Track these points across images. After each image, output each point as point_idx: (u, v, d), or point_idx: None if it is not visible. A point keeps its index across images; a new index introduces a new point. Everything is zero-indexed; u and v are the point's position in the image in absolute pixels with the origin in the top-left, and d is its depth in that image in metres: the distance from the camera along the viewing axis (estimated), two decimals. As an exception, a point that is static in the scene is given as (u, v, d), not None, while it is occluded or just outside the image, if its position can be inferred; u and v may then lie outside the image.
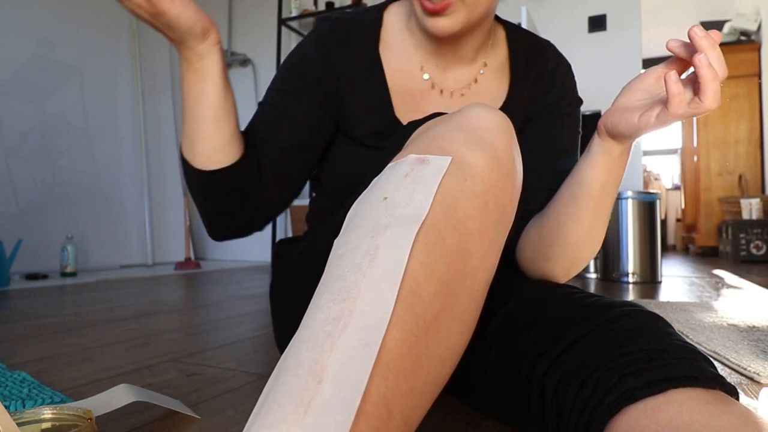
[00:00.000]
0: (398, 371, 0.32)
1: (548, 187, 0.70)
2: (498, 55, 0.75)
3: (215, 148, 0.61)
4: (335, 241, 0.40)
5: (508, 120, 0.44)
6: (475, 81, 0.74)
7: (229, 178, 0.62)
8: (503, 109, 0.74)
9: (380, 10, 0.75)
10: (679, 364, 0.41)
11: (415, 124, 0.51)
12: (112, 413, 0.65)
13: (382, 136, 0.70)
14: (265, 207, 0.69)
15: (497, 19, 0.77)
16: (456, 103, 0.73)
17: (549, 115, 0.75)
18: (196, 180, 0.63)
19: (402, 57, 0.73)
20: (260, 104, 0.72)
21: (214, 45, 0.58)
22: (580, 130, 0.79)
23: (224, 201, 0.65)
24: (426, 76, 0.72)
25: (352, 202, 0.52)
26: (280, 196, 0.70)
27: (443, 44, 0.70)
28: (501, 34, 0.76)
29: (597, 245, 0.65)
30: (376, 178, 0.43)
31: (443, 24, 0.63)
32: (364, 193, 0.43)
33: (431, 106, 0.72)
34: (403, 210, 0.37)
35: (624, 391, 0.40)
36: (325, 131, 0.72)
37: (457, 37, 0.68)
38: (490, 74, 0.74)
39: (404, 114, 0.72)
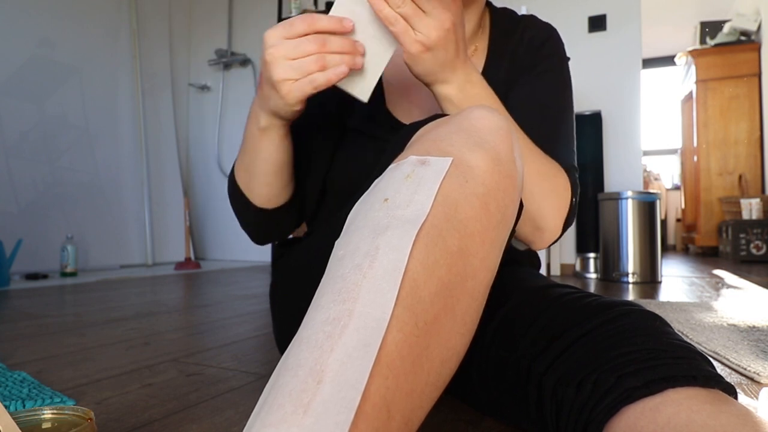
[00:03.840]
0: (398, 372, 0.32)
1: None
2: (485, 39, 0.77)
3: (274, 194, 0.69)
4: (336, 242, 0.40)
5: (508, 122, 0.45)
6: None
7: (284, 213, 0.72)
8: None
9: None
10: (677, 363, 0.41)
11: (417, 126, 0.51)
12: (112, 413, 0.65)
13: (376, 123, 0.72)
14: (303, 215, 0.78)
15: (486, 4, 0.77)
16: None
17: (527, 75, 0.74)
18: (252, 214, 0.71)
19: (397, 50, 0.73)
20: None
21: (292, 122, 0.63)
22: (569, 85, 0.75)
23: (275, 226, 0.74)
24: None
25: (352, 204, 0.52)
26: (314, 200, 0.78)
27: None
28: (487, 20, 0.78)
29: (544, 202, 0.62)
30: (377, 180, 0.43)
31: None
32: (365, 194, 0.43)
33: (425, 98, 0.73)
34: (403, 211, 0.37)
35: (622, 391, 0.40)
36: (338, 127, 0.76)
37: None
38: (476, 60, 0.75)
39: (398, 105, 0.72)
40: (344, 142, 0.75)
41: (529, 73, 0.73)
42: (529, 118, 0.68)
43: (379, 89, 0.72)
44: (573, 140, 0.74)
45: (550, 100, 0.73)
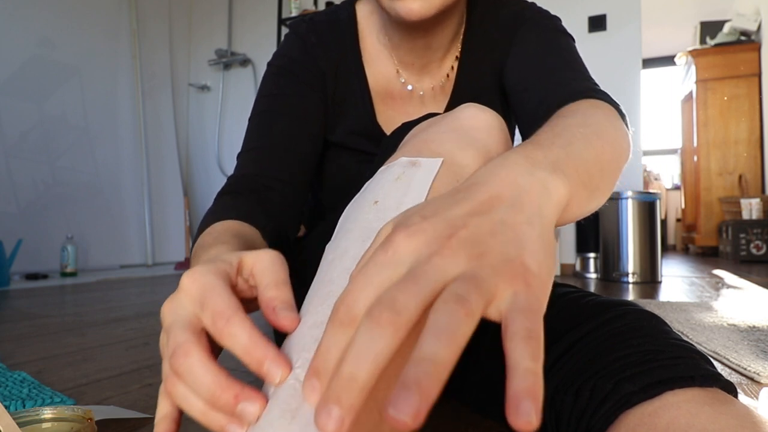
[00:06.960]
0: (390, 373, 0.31)
1: (544, 101, 0.60)
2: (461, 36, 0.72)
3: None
4: (326, 246, 0.40)
5: (500, 119, 0.44)
6: (447, 76, 0.72)
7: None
8: (455, 87, 0.70)
9: (351, 4, 0.73)
10: (675, 364, 0.40)
11: (408, 126, 0.50)
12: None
13: (362, 136, 0.70)
14: (298, 221, 0.68)
15: None
16: (434, 103, 0.72)
17: (513, 46, 0.67)
18: None
19: (379, 59, 0.71)
20: (254, 116, 0.68)
21: None
22: (566, 33, 0.67)
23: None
24: (402, 80, 0.71)
25: (345, 206, 0.51)
26: (303, 200, 0.69)
27: (415, 35, 0.66)
28: (464, 11, 0.72)
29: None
30: (367, 182, 0.42)
31: (415, 6, 0.57)
32: (355, 197, 0.42)
33: (410, 109, 0.71)
34: (393, 213, 0.36)
35: (620, 397, 0.39)
36: (322, 129, 0.70)
37: (430, 24, 0.64)
38: (461, 61, 0.72)
39: (385, 116, 0.71)
40: (334, 153, 0.73)
41: (512, 45, 0.67)
42: (535, 67, 0.62)
43: (367, 99, 0.70)
44: (588, 72, 0.64)
45: (552, 45, 0.65)
